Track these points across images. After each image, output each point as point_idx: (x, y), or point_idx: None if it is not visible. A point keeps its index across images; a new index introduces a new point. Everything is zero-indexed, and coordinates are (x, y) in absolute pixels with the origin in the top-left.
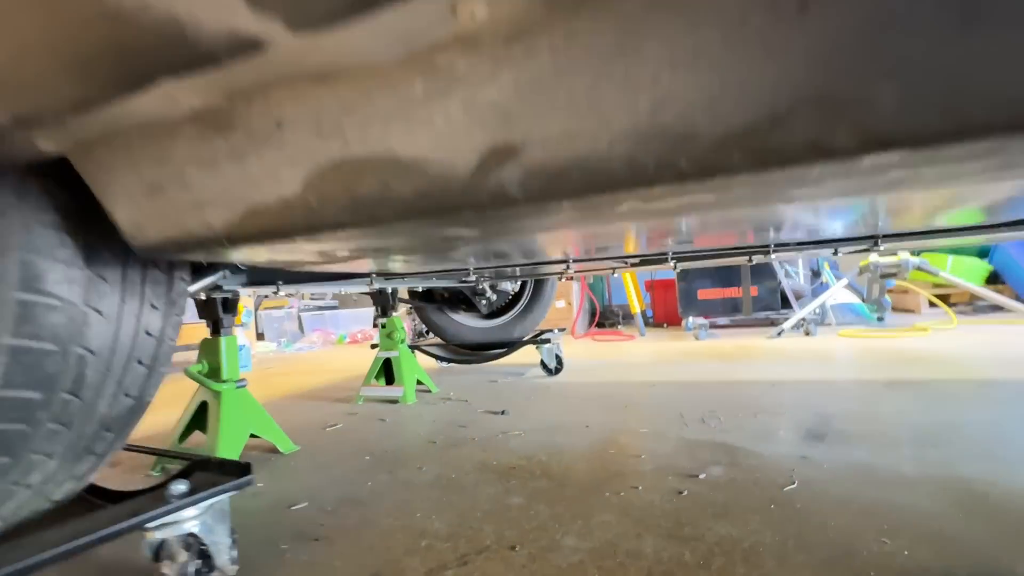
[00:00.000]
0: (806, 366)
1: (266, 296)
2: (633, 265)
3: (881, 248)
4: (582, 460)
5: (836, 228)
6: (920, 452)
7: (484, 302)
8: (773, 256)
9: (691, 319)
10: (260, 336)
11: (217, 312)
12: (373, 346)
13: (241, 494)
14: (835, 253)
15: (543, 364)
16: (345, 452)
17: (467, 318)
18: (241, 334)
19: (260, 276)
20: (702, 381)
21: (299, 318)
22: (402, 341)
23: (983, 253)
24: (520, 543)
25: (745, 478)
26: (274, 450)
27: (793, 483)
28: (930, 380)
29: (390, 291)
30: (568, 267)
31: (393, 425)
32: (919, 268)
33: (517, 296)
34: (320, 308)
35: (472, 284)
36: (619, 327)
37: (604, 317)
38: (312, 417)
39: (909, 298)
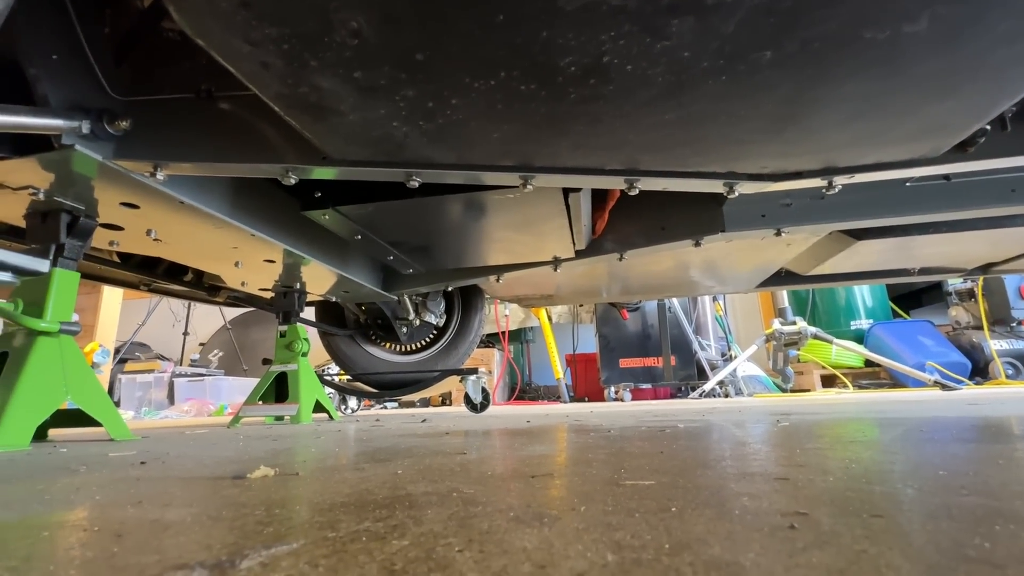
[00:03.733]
0: (732, 406)
1: (134, 356)
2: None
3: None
4: (536, 429)
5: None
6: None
7: (405, 329)
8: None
9: (612, 388)
10: (115, 404)
11: (59, 233)
12: (266, 361)
13: None
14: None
15: (467, 399)
16: (212, 437)
17: (383, 352)
18: None
19: (138, 147)
20: (646, 410)
21: (171, 384)
22: (304, 354)
23: (859, 339)
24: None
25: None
26: (105, 441)
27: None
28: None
29: (297, 293)
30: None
31: (284, 428)
32: (816, 336)
33: (441, 332)
34: (199, 375)
35: (395, 301)
36: (540, 401)
37: (524, 391)
38: (170, 431)
39: (804, 379)
